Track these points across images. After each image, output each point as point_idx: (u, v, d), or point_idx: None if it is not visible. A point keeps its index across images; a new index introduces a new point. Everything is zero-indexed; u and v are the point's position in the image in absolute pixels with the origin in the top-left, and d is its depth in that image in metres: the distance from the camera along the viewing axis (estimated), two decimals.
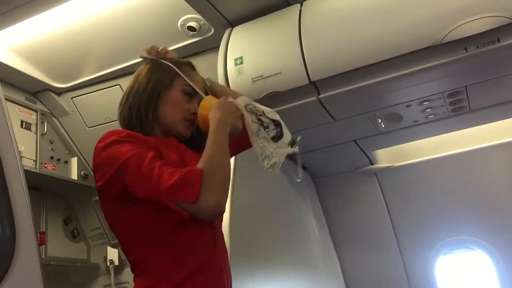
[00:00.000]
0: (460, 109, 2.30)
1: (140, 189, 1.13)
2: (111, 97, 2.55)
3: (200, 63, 2.36)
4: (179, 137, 1.38)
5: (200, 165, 1.15)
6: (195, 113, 1.37)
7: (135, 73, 1.44)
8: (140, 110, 1.33)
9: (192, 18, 2.15)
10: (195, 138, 1.41)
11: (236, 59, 2.07)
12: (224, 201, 1.16)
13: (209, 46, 2.30)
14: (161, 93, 1.36)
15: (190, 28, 2.18)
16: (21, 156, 2.33)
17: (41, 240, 2.44)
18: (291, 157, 2.83)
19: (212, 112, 1.29)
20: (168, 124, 1.36)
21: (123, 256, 2.76)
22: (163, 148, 1.27)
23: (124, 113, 1.38)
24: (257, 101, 2.05)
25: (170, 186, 1.08)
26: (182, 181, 1.08)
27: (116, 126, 2.62)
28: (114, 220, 1.26)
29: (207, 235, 1.26)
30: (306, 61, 1.95)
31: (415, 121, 2.42)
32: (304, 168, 2.98)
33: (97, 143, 1.26)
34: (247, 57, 2.07)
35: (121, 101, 1.41)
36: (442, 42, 1.75)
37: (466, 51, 1.78)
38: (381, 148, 2.89)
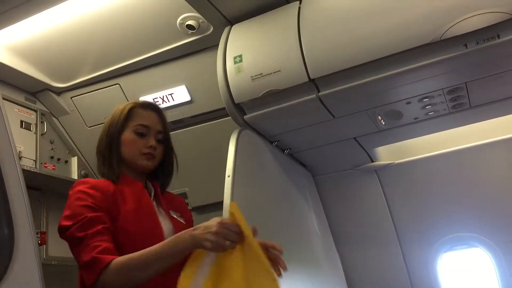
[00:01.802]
0: (460, 106, 2.30)
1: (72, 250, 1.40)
2: (110, 97, 2.55)
3: (199, 62, 2.38)
4: (144, 170, 1.59)
5: (119, 259, 1.28)
6: (151, 146, 1.57)
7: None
8: (105, 156, 1.57)
9: (191, 16, 2.14)
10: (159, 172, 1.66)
11: (235, 57, 2.07)
12: None
13: (208, 44, 2.30)
14: (118, 137, 1.57)
15: (189, 27, 2.18)
16: (21, 156, 2.33)
17: (42, 240, 2.45)
18: (291, 156, 2.84)
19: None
20: (130, 161, 1.57)
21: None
22: (123, 194, 1.48)
23: (97, 161, 1.61)
24: (256, 99, 2.06)
25: (82, 262, 1.32)
26: (88, 265, 1.28)
27: None
28: None
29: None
30: (305, 59, 1.95)
31: (415, 118, 2.41)
32: (304, 166, 2.98)
33: (70, 189, 1.51)
34: (246, 55, 2.06)
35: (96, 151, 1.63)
36: (441, 39, 1.75)
37: (466, 47, 1.77)
38: (381, 145, 2.88)
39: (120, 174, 1.55)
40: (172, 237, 1.27)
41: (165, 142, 1.64)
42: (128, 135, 1.57)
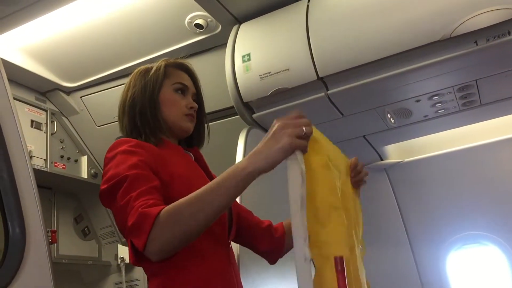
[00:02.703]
0: (471, 103, 2.28)
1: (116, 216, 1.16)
2: (119, 96, 2.56)
3: (207, 61, 2.38)
4: (184, 133, 1.42)
5: (166, 209, 1.04)
6: (192, 108, 1.41)
7: (126, 85, 1.46)
8: (144, 116, 1.35)
9: (199, 15, 2.15)
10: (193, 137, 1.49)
11: (243, 56, 2.07)
12: (171, 250, 1.07)
13: (217, 43, 2.30)
14: (158, 95, 1.38)
15: (198, 26, 2.18)
16: (32, 156, 2.35)
17: (53, 238, 2.46)
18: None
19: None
20: (171, 122, 1.38)
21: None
22: (170, 158, 1.29)
23: (127, 124, 1.39)
24: (265, 98, 2.06)
25: (129, 226, 1.06)
26: (135, 226, 1.04)
27: None
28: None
29: (222, 253, 1.27)
30: (314, 57, 1.95)
31: (425, 116, 2.40)
32: None
33: (106, 153, 1.24)
34: (254, 53, 2.06)
35: (120, 114, 1.43)
36: (452, 36, 1.74)
37: (476, 44, 1.76)
38: (391, 144, 2.86)
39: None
40: (224, 173, 1.04)
41: (200, 107, 1.49)
42: (167, 94, 1.39)
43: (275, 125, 1.03)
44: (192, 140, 1.50)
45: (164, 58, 1.49)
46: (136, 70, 1.46)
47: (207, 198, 1.02)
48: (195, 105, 1.43)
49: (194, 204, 1.03)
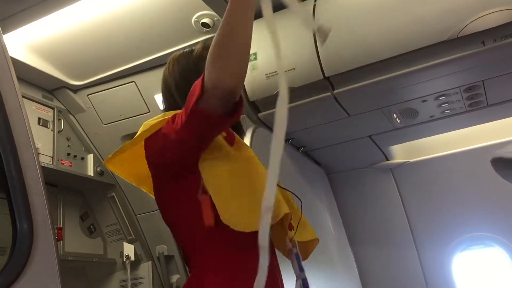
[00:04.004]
0: (477, 104, 2.27)
1: None
2: (126, 94, 2.57)
3: None
4: None
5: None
6: None
7: (171, 64, 1.46)
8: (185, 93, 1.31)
9: (206, 14, 2.15)
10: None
11: (250, 55, 2.07)
12: (232, 76, 1.11)
13: None
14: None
15: (204, 25, 2.18)
16: (39, 153, 2.36)
17: (59, 235, 2.48)
18: (306, 154, 2.83)
19: None
20: None
21: (139, 252, 2.79)
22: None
23: (170, 104, 1.42)
24: (271, 97, 2.06)
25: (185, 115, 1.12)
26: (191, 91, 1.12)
27: (131, 122, 2.64)
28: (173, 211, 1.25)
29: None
30: (320, 57, 1.95)
31: (431, 116, 2.40)
32: (318, 164, 2.97)
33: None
34: (260, 53, 2.07)
35: (165, 94, 1.46)
36: (459, 36, 1.73)
37: (484, 44, 1.76)
38: (397, 144, 2.86)
39: None
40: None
41: None
42: None
43: None
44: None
45: (202, 42, 1.48)
46: (175, 54, 1.47)
47: (234, 26, 1.11)
48: None
49: (227, 35, 1.10)
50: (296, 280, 1.27)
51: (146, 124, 1.27)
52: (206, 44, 1.45)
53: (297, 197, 1.45)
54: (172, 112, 1.26)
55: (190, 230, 1.20)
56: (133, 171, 1.39)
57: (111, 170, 1.36)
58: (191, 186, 1.17)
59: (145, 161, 1.28)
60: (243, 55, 1.12)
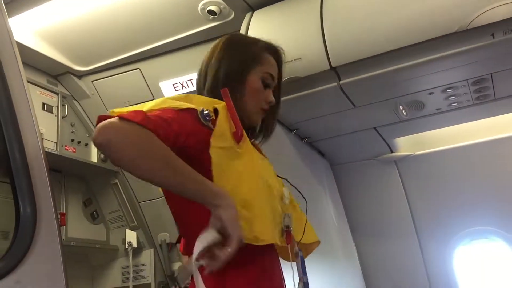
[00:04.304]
0: (485, 97, 2.25)
1: None
2: (131, 81, 2.56)
3: None
4: (250, 126, 1.36)
5: (147, 132, 1.00)
6: (270, 102, 1.35)
7: (216, 49, 1.38)
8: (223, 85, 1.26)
9: (212, 1, 2.13)
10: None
11: None
12: (105, 150, 1.01)
13: (229, 30, 2.28)
14: (246, 79, 1.32)
15: (211, 12, 2.16)
16: (43, 139, 2.36)
17: (62, 221, 2.49)
18: (310, 144, 2.82)
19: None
20: (246, 111, 1.31)
21: (141, 239, 2.80)
22: None
23: (205, 89, 1.34)
24: None
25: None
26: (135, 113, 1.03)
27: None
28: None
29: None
30: (327, 46, 1.93)
31: (437, 109, 2.38)
32: (322, 155, 2.96)
33: None
34: None
35: (202, 76, 1.38)
36: (468, 28, 1.71)
37: (493, 37, 1.73)
38: (402, 136, 2.85)
39: None
40: (208, 183, 1.04)
41: (277, 101, 1.42)
42: (254, 82, 1.32)
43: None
44: (255, 132, 1.43)
45: (262, 39, 1.42)
46: (231, 37, 1.40)
47: (172, 170, 1.01)
48: (274, 100, 1.36)
49: (160, 160, 1.00)
50: (299, 282, 1.26)
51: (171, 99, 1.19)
52: (269, 45, 1.41)
53: (303, 197, 1.44)
54: (199, 97, 1.22)
55: (199, 224, 1.16)
56: None
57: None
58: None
59: None
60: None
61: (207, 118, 1.14)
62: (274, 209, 1.21)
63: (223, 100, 1.20)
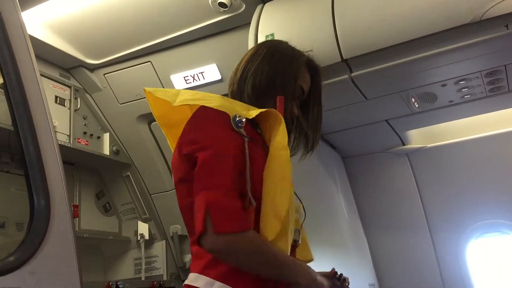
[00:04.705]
0: (498, 89, 2.23)
1: None
2: (142, 74, 2.57)
3: (230, 40, 2.37)
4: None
5: (257, 235, 1.14)
6: (295, 116, 1.40)
7: (258, 53, 1.41)
8: (263, 99, 1.32)
9: None
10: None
11: (267, 36, 2.05)
12: (224, 259, 1.14)
13: (240, 22, 2.28)
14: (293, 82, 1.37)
15: (221, 4, 2.16)
16: (56, 131, 2.38)
17: (75, 213, 2.52)
18: (321, 137, 2.81)
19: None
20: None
21: (153, 231, 2.82)
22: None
23: (241, 93, 1.36)
24: None
25: (224, 204, 1.10)
26: (234, 212, 1.10)
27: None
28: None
29: None
30: (338, 38, 1.91)
31: (450, 101, 2.36)
32: (334, 147, 2.96)
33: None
34: (278, 34, 2.04)
35: (238, 78, 1.40)
36: (482, 19, 1.69)
37: (507, 28, 1.71)
38: (414, 129, 2.83)
39: None
40: (304, 265, 1.22)
41: (318, 112, 1.49)
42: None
43: None
44: None
45: (307, 55, 1.48)
46: (274, 46, 1.44)
47: (279, 269, 1.16)
48: (296, 113, 1.40)
49: (271, 263, 1.15)
50: None
51: (204, 97, 1.25)
52: (311, 61, 1.48)
53: (304, 210, 1.47)
54: (229, 105, 1.24)
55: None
56: (165, 112, 1.38)
57: (148, 99, 1.37)
58: None
59: (180, 113, 1.30)
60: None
61: (239, 124, 1.19)
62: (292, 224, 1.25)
63: (262, 103, 1.27)
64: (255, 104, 1.30)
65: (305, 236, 1.45)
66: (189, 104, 1.26)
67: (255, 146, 1.20)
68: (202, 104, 1.21)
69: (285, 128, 1.23)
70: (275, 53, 1.41)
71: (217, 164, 1.12)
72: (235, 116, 1.18)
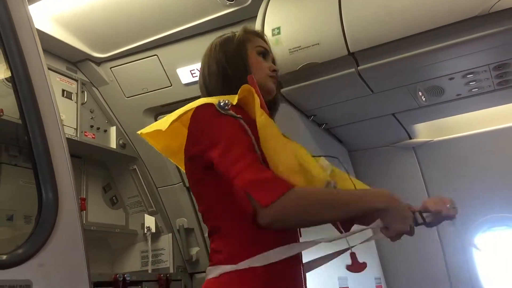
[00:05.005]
0: (507, 83, 2.21)
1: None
2: (148, 67, 2.57)
3: None
4: (268, 95, 1.42)
5: (302, 189, 1.14)
6: (274, 70, 1.43)
7: (208, 55, 1.45)
8: (240, 81, 1.32)
9: None
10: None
11: (273, 30, 2.04)
12: (285, 225, 1.16)
13: (246, 16, 2.27)
14: (247, 59, 1.40)
15: None
16: (63, 125, 2.39)
17: (82, 205, 2.53)
18: (328, 131, 2.80)
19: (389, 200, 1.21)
20: (258, 83, 1.36)
21: (160, 224, 2.83)
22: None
23: (217, 90, 1.37)
24: (293, 72, 2.04)
25: (256, 179, 1.10)
26: (269, 181, 1.10)
27: (153, 96, 2.63)
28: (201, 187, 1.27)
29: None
30: (345, 31, 1.91)
31: (457, 95, 2.34)
32: (340, 141, 2.95)
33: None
34: (284, 27, 2.04)
35: (207, 83, 1.42)
36: (490, 12, 1.67)
37: None
38: (421, 122, 2.82)
39: None
40: (378, 189, 1.22)
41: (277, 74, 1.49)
42: (253, 56, 1.41)
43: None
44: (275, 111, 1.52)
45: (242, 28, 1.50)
46: (216, 41, 1.47)
47: (342, 201, 1.16)
48: (276, 67, 1.46)
49: (332, 199, 1.16)
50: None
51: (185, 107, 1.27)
52: (247, 29, 1.48)
53: (333, 157, 1.51)
54: (211, 99, 1.25)
55: (226, 211, 1.22)
56: (165, 143, 1.41)
57: (147, 140, 1.39)
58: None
59: (178, 137, 1.31)
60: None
61: (226, 107, 1.20)
62: (311, 180, 1.24)
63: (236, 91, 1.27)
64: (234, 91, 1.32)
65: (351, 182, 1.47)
66: (179, 119, 1.26)
67: (250, 126, 1.20)
68: (189, 109, 1.23)
69: (257, 96, 1.24)
70: (214, 45, 1.45)
71: (229, 153, 1.14)
72: (219, 102, 1.21)
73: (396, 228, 1.17)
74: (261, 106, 1.24)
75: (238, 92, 1.26)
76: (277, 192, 1.08)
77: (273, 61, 1.50)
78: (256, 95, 1.25)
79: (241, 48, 1.41)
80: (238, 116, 1.20)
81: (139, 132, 1.36)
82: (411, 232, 1.20)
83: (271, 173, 1.12)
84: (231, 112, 1.20)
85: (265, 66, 1.42)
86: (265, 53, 1.45)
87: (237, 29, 1.49)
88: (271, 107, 1.48)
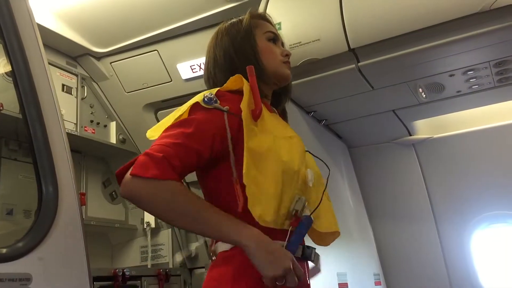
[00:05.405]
0: (507, 80, 2.21)
1: None
2: (148, 63, 2.57)
3: None
4: (283, 81, 1.38)
5: (177, 184, 1.07)
6: (287, 55, 1.38)
7: (213, 43, 1.39)
8: (243, 67, 1.27)
9: None
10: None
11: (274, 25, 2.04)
12: (136, 204, 1.10)
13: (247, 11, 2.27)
14: (256, 45, 1.34)
15: None
16: (63, 119, 2.39)
17: (82, 200, 2.53)
18: (327, 127, 2.80)
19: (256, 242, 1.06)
20: (272, 71, 1.34)
21: (159, 219, 2.84)
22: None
23: (223, 79, 1.30)
24: (295, 68, 2.03)
25: (154, 149, 1.11)
26: (158, 159, 1.07)
27: (153, 91, 2.63)
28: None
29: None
30: (346, 27, 1.90)
31: (458, 91, 2.34)
32: (340, 137, 2.95)
33: None
34: (285, 23, 2.03)
35: (211, 72, 1.37)
36: (491, 8, 1.67)
37: None
38: (421, 119, 2.82)
39: None
40: (239, 223, 1.07)
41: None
42: (262, 42, 1.35)
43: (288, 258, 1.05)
44: (279, 97, 1.46)
45: (248, 12, 1.43)
46: (221, 26, 1.41)
47: (200, 221, 1.06)
48: (289, 52, 1.40)
49: (188, 215, 1.06)
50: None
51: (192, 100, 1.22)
52: (253, 13, 1.42)
53: (327, 166, 1.47)
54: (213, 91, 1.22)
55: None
56: None
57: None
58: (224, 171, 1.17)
59: None
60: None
61: (211, 101, 1.16)
62: (289, 192, 1.19)
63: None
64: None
65: (328, 205, 1.41)
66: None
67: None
68: (193, 103, 1.18)
69: (246, 92, 1.19)
70: (220, 34, 1.39)
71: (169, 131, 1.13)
72: (204, 98, 1.17)
73: (265, 273, 1.02)
74: (256, 102, 1.19)
75: (227, 82, 1.22)
76: (150, 171, 1.04)
77: (282, 45, 1.44)
78: (246, 91, 1.19)
79: (249, 35, 1.35)
80: (225, 108, 1.16)
81: (149, 137, 1.29)
82: (291, 281, 1.03)
83: (163, 157, 1.07)
84: (217, 105, 1.16)
85: (277, 52, 1.36)
86: (275, 38, 1.39)
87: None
88: (282, 94, 1.44)
